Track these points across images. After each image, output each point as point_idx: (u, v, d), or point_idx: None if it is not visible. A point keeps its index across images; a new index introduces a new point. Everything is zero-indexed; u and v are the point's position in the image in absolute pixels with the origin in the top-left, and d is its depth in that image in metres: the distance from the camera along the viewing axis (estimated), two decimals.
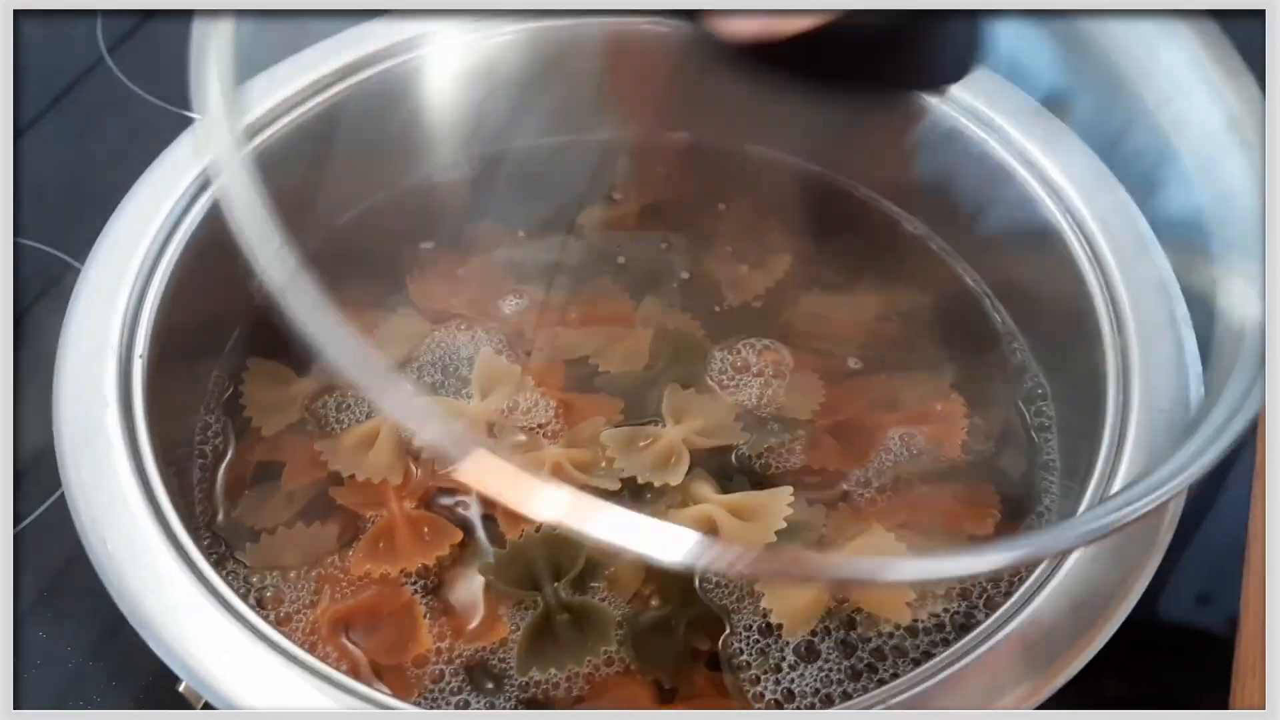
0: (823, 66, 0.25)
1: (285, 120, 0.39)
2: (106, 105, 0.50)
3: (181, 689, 0.29)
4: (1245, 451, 0.45)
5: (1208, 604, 0.42)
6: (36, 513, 0.37)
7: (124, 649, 0.35)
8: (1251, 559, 0.44)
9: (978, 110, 0.36)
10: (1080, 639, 0.26)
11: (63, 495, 0.29)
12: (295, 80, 0.40)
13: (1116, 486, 0.29)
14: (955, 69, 0.29)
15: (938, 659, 0.26)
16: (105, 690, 0.34)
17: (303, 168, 0.39)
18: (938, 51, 0.27)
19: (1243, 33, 0.29)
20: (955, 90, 0.36)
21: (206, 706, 0.29)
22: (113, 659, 0.35)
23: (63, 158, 0.48)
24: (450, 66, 0.40)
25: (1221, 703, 0.38)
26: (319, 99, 0.39)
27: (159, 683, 0.33)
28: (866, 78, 0.27)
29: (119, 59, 0.51)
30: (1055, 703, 0.26)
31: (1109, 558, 0.28)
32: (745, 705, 0.30)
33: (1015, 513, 0.33)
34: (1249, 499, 0.44)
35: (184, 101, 0.38)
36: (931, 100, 0.36)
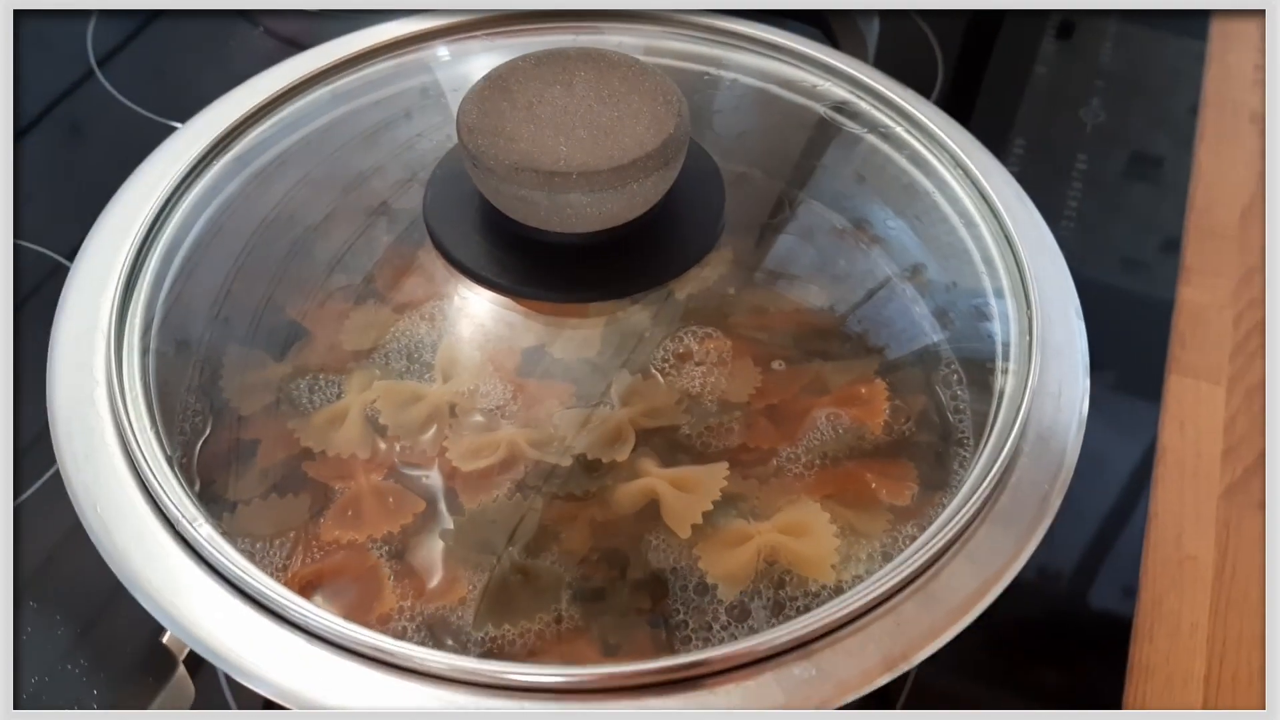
0: None
1: (265, 123, 0.42)
2: (97, 118, 0.52)
3: (165, 640, 0.31)
4: None
5: (1133, 595, 0.45)
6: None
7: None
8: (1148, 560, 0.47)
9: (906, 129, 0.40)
10: (978, 590, 0.30)
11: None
12: (271, 85, 0.43)
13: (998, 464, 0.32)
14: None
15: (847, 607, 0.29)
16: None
17: (281, 175, 0.42)
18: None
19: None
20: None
21: (190, 657, 0.31)
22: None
23: (53, 168, 0.50)
24: (427, 71, 0.43)
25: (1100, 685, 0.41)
26: (294, 102, 0.42)
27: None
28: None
29: (109, 72, 0.53)
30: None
31: (1005, 522, 0.31)
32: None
33: (931, 485, 0.36)
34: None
35: (175, 113, 0.41)
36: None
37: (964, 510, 0.30)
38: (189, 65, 0.58)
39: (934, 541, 0.30)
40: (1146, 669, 0.42)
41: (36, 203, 0.49)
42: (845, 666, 0.28)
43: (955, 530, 0.30)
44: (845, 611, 0.29)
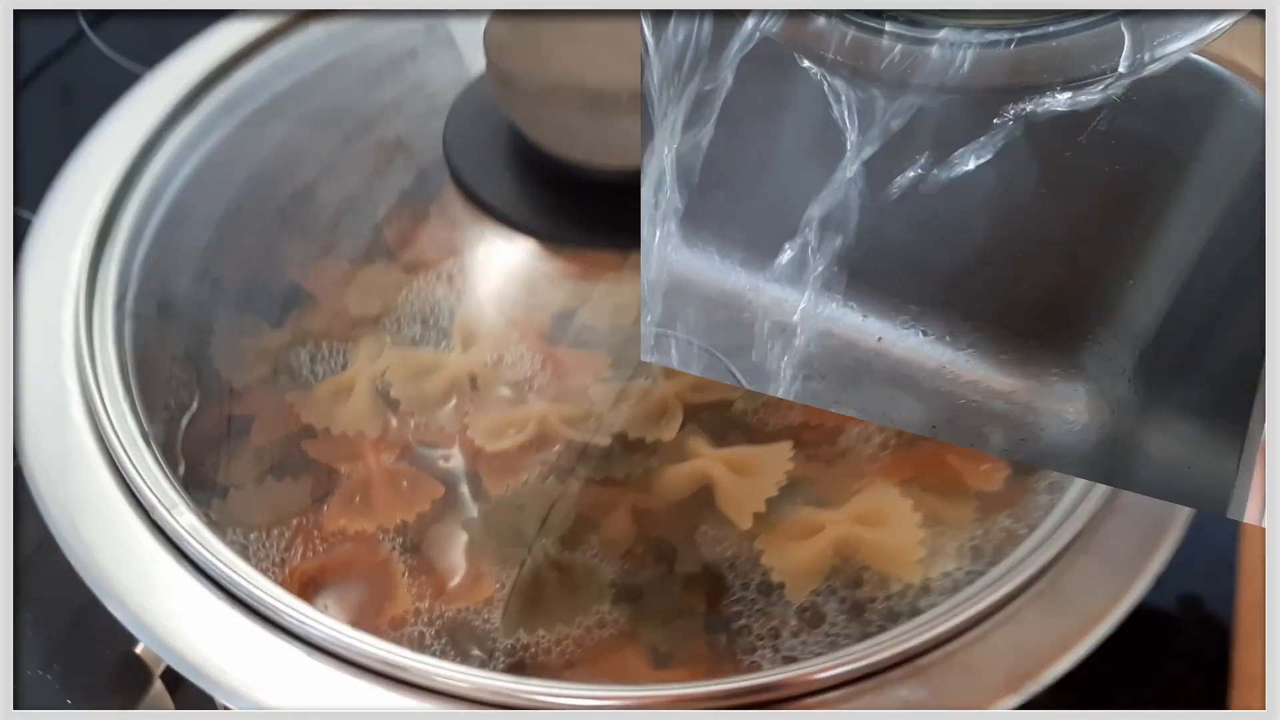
0: None
1: (256, 62, 0.38)
2: (89, 77, 0.50)
3: (139, 651, 0.27)
4: None
5: (1190, 601, 0.41)
6: None
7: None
8: (1244, 557, 0.42)
9: None
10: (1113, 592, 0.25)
11: None
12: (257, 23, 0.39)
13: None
14: None
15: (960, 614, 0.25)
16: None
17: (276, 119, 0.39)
18: None
19: None
20: None
21: (167, 672, 0.27)
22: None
23: (46, 128, 0.49)
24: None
25: (1206, 697, 0.37)
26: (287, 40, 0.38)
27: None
28: None
29: (101, 31, 0.51)
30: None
31: (1136, 511, 0.26)
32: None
33: (1025, 468, 0.32)
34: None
35: None
36: None
37: (1088, 499, 0.26)
38: (186, 22, 0.55)
39: (1056, 536, 0.25)
40: (1249, 678, 0.38)
41: (28, 169, 0.46)
42: (963, 688, 0.23)
43: (1081, 523, 0.25)
44: (958, 620, 0.24)
